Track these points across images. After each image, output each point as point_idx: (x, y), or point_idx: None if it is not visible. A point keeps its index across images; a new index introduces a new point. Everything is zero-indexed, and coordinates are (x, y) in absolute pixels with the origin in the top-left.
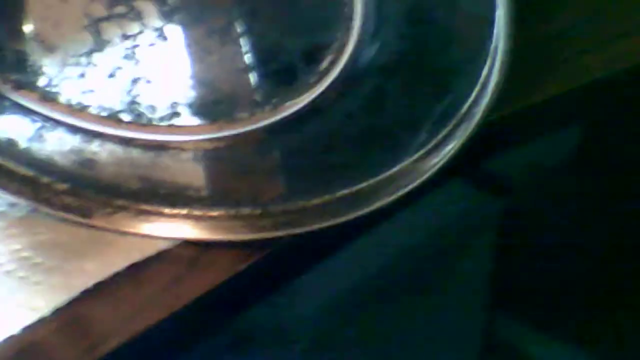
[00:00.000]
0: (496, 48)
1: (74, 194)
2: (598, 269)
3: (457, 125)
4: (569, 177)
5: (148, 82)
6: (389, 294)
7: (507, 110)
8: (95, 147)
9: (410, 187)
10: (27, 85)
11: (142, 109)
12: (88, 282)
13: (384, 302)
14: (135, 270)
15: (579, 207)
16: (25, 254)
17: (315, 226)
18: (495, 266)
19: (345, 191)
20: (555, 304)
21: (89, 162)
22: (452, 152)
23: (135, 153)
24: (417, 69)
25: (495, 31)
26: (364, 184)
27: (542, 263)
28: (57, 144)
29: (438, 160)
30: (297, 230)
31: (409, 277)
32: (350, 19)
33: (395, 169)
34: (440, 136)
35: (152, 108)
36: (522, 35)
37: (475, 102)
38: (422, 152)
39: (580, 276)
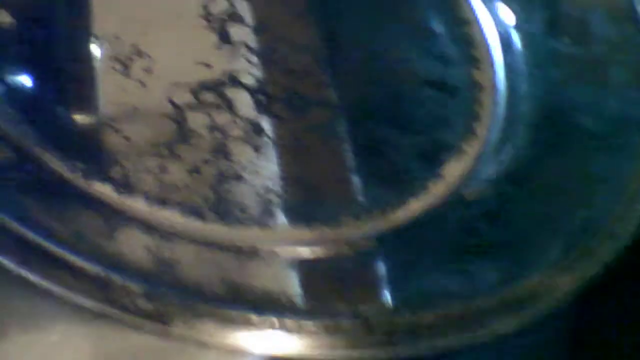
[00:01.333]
0: None
1: (150, 297)
2: None
3: (597, 243)
4: None
5: (238, 178)
6: None
7: None
8: (175, 247)
9: (538, 310)
10: (98, 175)
11: (230, 208)
12: None
13: None
14: None
15: None
16: None
17: (425, 346)
18: None
19: (461, 309)
20: None
21: (168, 263)
22: (590, 273)
23: (221, 255)
24: (551, 178)
25: None
26: (482, 302)
27: None
28: (131, 241)
29: (572, 280)
30: (404, 351)
31: None
32: (477, 117)
33: (520, 288)
34: (575, 254)
35: (242, 207)
36: None
37: (621, 218)
38: (552, 270)
39: None
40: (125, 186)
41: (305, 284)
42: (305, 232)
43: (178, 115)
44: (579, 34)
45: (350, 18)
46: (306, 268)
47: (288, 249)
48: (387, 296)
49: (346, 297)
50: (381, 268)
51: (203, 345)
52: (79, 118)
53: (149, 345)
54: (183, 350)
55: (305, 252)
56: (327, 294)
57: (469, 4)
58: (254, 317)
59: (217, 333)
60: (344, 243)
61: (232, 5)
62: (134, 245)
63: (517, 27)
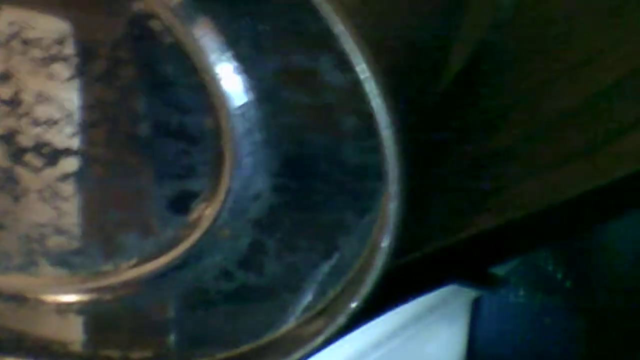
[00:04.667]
0: (386, 207)
1: None
2: None
3: (347, 287)
4: None
5: (0, 227)
6: None
7: (427, 250)
8: None
9: (297, 353)
10: None
11: None
12: None
13: None
14: None
15: None
16: None
17: None
18: None
19: (226, 354)
20: None
21: None
22: (344, 317)
23: None
24: (298, 225)
25: (385, 186)
26: (245, 348)
27: None
28: None
29: (327, 324)
30: None
31: None
32: (220, 165)
33: (278, 333)
34: (327, 299)
35: (7, 255)
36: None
37: (368, 262)
38: (308, 315)
39: None
40: None
41: (76, 330)
42: (68, 279)
43: None
44: (309, 82)
45: None
46: (75, 315)
47: (54, 296)
48: (153, 340)
49: (119, 342)
50: (145, 314)
51: None
52: None
53: None
54: None
55: (72, 298)
56: (100, 340)
57: (205, 53)
58: None
59: None
60: (106, 290)
61: None
62: None
63: (248, 74)
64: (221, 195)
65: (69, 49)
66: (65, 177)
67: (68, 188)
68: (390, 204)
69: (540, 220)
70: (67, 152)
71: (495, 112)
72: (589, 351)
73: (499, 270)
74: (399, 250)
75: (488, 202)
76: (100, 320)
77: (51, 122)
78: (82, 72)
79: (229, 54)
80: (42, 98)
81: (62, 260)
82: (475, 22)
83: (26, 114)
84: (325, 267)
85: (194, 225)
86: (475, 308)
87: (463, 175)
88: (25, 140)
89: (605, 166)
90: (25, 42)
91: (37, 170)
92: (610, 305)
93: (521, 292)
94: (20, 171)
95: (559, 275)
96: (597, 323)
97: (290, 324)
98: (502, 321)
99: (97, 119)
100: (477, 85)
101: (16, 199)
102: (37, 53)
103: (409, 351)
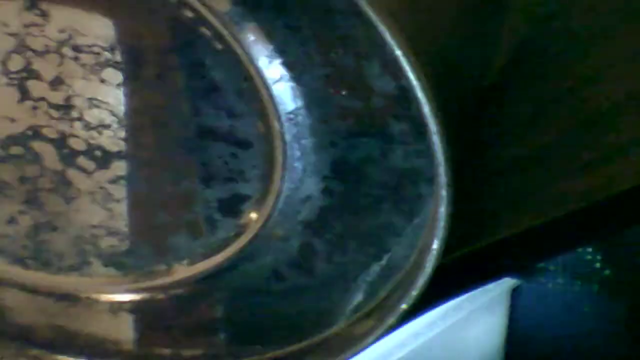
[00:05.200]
0: (436, 211)
1: None
2: None
3: (397, 288)
4: None
5: (53, 228)
6: None
7: (468, 249)
8: (4, 294)
9: (346, 353)
10: None
11: (49, 256)
12: None
13: None
14: None
15: None
16: None
17: None
18: None
19: (275, 352)
20: None
21: None
22: (394, 318)
23: (46, 302)
24: (348, 227)
25: (434, 190)
26: (294, 347)
27: None
28: None
29: (376, 324)
30: None
31: None
32: (270, 169)
33: (328, 332)
34: (377, 299)
35: (60, 256)
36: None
37: (417, 263)
38: (358, 315)
39: None
40: None
41: (130, 329)
42: (120, 279)
43: None
44: (357, 87)
45: None
46: (128, 313)
47: (107, 296)
48: (205, 339)
49: (170, 341)
50: (197, 314)
51: None
52: None
53: None
54: None
55: (124, 297)
56: (152, 339)
57: (254, 59)
58: None
59: None
60: (158, 289)
61: (29, 62)
62: None
63: (298, 80)
64: (271, 198)
65: (119, 56)
66: (116, 179)
67: (119, 190)
68: (440, 208)
69: (582, 218)
70: (118, 155)
71: (535, 109)
72: (628, 338)
73: None
74: (448, 247)
75: (530, 201)
76: (152, 319)
77: (102, 126)
78: (133, 77)
79: (278, 61)
80: (93, 103)
81: (114, 260)
82: (519, 18)
83: (78, 118)
84: (376, 268)
85: (245, 228)
86: (515, 296)
87: (505, 174)
88: (77, 144)
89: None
90: (76, 49)
91: (89, 172)
92: None
93: (560, 280)
94: (73, 174)
95: (598, 264)
96: (636, 310)
97: (340, 323)
98: (541, 309)
99: (147, 123)
100: (517, 83)
101: (68, 200)
102: (88, 59)
103: (450, 339)
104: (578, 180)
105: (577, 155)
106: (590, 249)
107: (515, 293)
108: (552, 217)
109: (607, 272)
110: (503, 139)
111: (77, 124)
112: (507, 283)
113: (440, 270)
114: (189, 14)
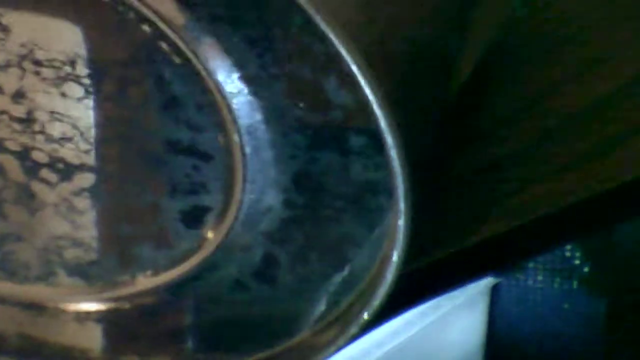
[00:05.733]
0: (395, 223)
1: None
2: None
3: (359, 298)
4: None
5: (19, 239)
6: None
7: (439, 255)
8: None
9: None
10: None
11: (15, 267)
12: None
13: None
14: None
15: None
16: None
17: None
18: None
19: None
20: None
21: None
22: (356, 327)
23: (13, 311)
24: (309, 238)
25: (393, 203)
26: (259, 355)
27: None
28: None
29: (339, 334)
30: None
31: None
32: (232, 181)
33: (292, 341)
34: (340, 309)
35: (26, 266)
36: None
37: (379, 274)
38: (321, 324)
39: None
40: None
41: (97, 338)
42: (86, 289)
43: None
44: (316, 101)
45: None
46: (94, 323)
47: (73, 305)
48: (171, 349)
49: (137, 350)
50: (162, 324)
51: None
52: None
53: None
54: None
55: (90, 307)
56: (119, 348)
57: (213, 73)
58: None
59: None
60: (124, 299)
61: None
62: None
63: (256, 94)
64: (233, 210)
65: (80, 70)
66: (80, 191)
67: (83, 202)
68: (399, 221)
69: (552, 223)
70: (81, 167)
71: (506, 115)
72: (607, 335)
73: None
74: (411, 255)
75: (501, 207)
76: (118, 328)
77: (64, 139)
78: (94, 91)
79: (236, 75)
80: (55, 116)
81: (79, 270)
82: (487, 22)
83: (40, 131)
84: (337, 279)
85: (207, 239)
86: (494, 293)
87: (476, 180)
88: (40, 157)
89: (616, 168)
90: (37, 63)
91: (52, 185)
92: (628, 289)
93: (539, 277)
94: (36, 186)
95: (577, 260)
96: (615, 307)
97: (304, 333)
98: (521, 306)
99: (109, 136)
100: (486, 88)
101: (33, 212)
102: (48, 73)
103: (429, 337)
104: (554, 183)
105: (553, 159)
106: (569, 246)
107: (494, 290)
108: (529, 219)
109: (586, 269)
110: (480, 140)
111: (40, 137)
112: (486, 281)
113: (413, 274)
114: (147, 28)
